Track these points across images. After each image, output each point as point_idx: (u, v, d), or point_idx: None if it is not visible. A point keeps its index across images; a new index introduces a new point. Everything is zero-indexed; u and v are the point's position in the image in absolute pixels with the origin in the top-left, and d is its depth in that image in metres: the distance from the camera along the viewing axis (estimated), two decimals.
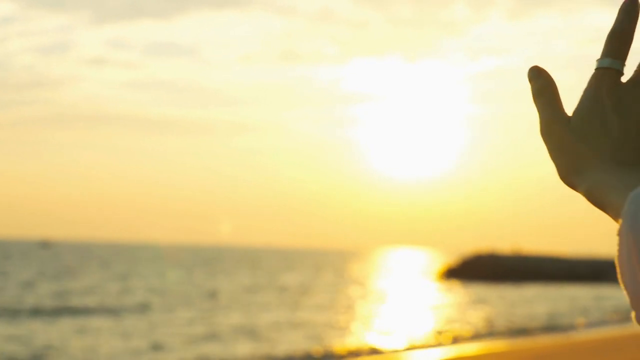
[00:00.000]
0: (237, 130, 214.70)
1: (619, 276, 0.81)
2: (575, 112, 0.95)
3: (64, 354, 20.73)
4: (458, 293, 49.10)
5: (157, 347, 22.06)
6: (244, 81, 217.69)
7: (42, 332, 25.13)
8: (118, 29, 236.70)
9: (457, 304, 39.77)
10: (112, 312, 31.81)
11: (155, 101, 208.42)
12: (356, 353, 21.50)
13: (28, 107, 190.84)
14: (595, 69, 0.95)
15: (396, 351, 22.06)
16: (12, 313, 30.40)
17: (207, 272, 72.09)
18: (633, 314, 0.81)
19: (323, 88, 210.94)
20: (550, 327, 28.73)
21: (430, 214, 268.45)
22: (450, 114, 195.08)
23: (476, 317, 32.23)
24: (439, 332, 26.74)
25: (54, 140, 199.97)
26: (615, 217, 0.85)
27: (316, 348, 22.13)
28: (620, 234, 0.80)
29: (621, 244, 0.79)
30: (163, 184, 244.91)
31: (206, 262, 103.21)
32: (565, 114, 0.96)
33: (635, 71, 0.95)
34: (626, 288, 0.80)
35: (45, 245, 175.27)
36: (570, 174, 0.93)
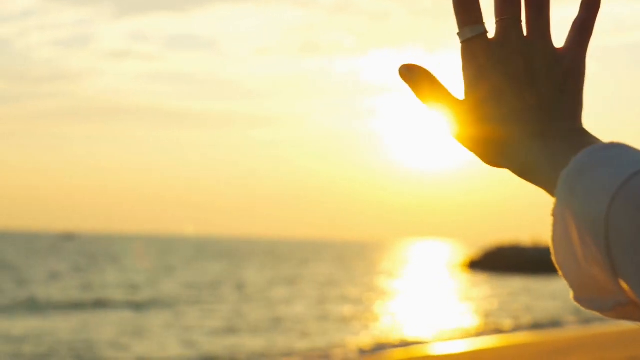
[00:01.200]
0: (255, 122, 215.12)
1: (553, 258, 0.79)
2: (467, 96, 0.89)
3: (99, 348, 21.10)
4: (481, 285, 49.30)
5: (189, 343, 22.39)
6: (262, 73, 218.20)
7: (74, 325, 25.40)
8: (138, 22, 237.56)
9: (482, 296, 40.05)
10: (141, 306, 32.15)
11: (174, 94, 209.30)
12: (391, 345, 21.86)
13: (48, 100, 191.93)
14: (462, 43, 0.89)
15: (425, 342, 22.46)
16: (44, 307, 30.68)
17: (229, 264, 72.48)
18: (572, 294, 0.79)
19: (342, 80, 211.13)
20: (577, 319, 28.99)
21: (451, 205, 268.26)
22: None
23: (504, 309, 32.55)
24: (463, 325, 27.10)
25: (74, 133, 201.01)
26: (552, 194, 0.81)
27: (354, 341, 22.52)
28: (554, 214, 0.78)
29: (556, 224, 0.77)
30: (181, 176, 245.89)
31: (225, 254, 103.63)
32: (458, 100, 0.89)
33: (497, 27, 0.89)
34: (562, 269, 0.78)
35: (68, 237, 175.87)
36: (494, 160, 0.88)
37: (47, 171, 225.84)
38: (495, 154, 0.88)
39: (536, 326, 26.88)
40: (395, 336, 23.75)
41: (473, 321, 28.29)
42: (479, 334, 24.81)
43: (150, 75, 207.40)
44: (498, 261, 65.45)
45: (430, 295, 41.12)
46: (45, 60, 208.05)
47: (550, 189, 0.82)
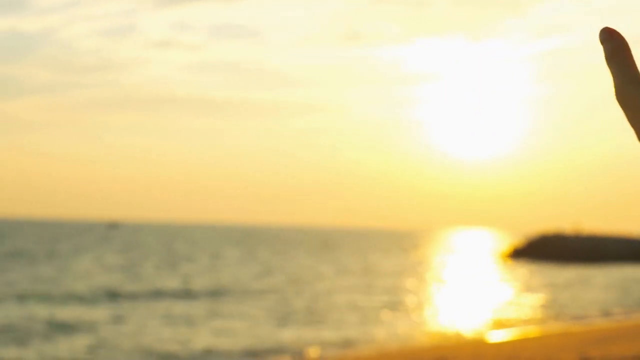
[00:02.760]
0: (299, 111, 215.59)
1: None
2: None
3: (156, 339, 21.59)
4: (526, 275, 49.32)
5: (241, 333, 22.86)
6: (306, 62, 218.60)
7: (127, 315, 25.78)
8: (182, 11, 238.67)
9: (528, 286, 40.20)
10: (194, 295, 32.57)
11: (219, 83, 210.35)
12: (435, 334, 22.25)
13: (94, 90, 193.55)
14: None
15: (470, 331, 22.82)
16: (100, 297, 30.99)
17: (275, 252, 72.76)
18: None
19: (385, 68, 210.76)
20: (623, 309, 29.17)
21: (494, 194, 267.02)
22: (513, 93, 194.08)
23: (551, 298, 32.77)
24: (509, 314, 27.40)
25: (119, 122, 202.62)
26: None
27: (401, 330, 22.95)
28: None
29: None
30: (226, 165, 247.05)
31: (271, 242, 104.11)
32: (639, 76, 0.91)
33: None
34: None
35: (113, 226, 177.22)
36: None
37: (92, 160, 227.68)
38: None
39: (582, 316, 27.12)
40: (440, 325, 24.14)
41: (520, 310, 28.57)
42: (525, 323, 25.12)
43: (194, 64, 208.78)
44: (542, 250, 65.29)
45: (476, 285, 41.37)
46: (90, 50, 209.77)
47: None
